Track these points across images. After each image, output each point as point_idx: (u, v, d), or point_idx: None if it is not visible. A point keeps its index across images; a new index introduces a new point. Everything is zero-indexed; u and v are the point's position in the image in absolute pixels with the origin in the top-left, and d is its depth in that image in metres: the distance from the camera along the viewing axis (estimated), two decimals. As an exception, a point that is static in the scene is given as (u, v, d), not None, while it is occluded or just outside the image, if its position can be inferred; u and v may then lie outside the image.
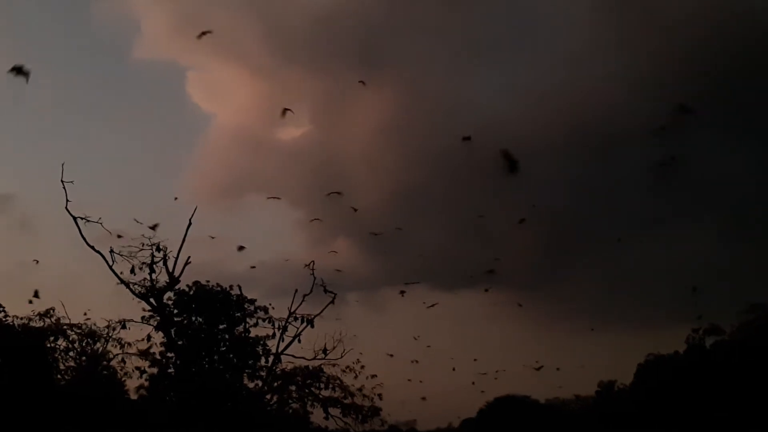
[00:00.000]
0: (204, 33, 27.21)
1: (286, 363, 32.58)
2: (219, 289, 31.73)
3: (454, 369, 44.78)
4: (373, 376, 34.13)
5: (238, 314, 31.80)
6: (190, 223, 31.11)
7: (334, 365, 33.02)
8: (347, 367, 33.21)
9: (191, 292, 31.44)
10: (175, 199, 32.72)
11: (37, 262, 35.88)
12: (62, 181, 29.03)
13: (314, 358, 32.49)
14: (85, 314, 33.96)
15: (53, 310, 33.10)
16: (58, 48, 73.33)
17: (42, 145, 66.22)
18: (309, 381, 33.40)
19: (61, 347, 33.46)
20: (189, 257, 31.00)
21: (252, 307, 32.17)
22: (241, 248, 31.17)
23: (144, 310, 31.03)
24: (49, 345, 33.20)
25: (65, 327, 33.20)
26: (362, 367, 33.58)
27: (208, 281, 31.71)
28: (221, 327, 31.57)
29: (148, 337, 31.50)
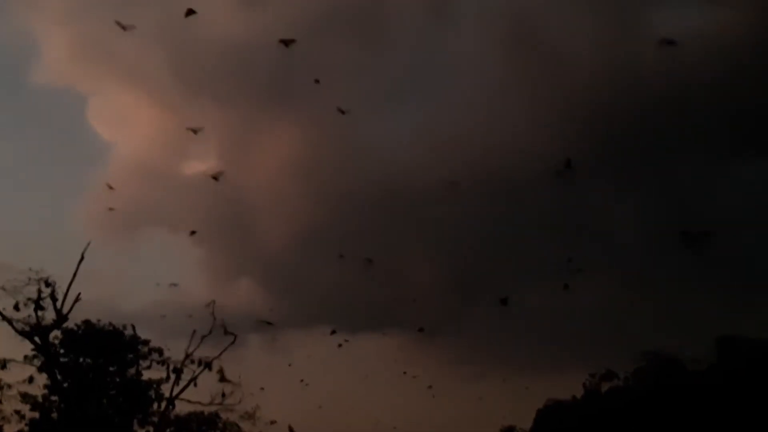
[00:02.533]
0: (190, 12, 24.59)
1: (181, 408, 31.16)
2: (111, 328, 30.21)
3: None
4: (273, 422, 33.17)
5: (131, 355, 30.34)
6: (82, 258, 29.41)
7: (231, 411, 31.87)
8: (246, 413, 32.09)
9: (80, 331, 29.77)
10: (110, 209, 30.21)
11: None
12: None
13: (211, 404, 31.23)
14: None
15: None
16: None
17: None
18: (204, 428, 32.12)
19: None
20: (79, 294, 29.24)
21: (146, 349, 30.75)
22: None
23: (28, 349, 29.08)
24: None
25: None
26: (257, 411, 32.51)
27: (99, 320, 30.15)
28: (111, 369, 29.99)
29: (31, 379, 29.45)
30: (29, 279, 28.36)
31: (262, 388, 32.57)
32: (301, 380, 38.37)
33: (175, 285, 34.44)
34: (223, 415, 32.04)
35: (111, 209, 29.81)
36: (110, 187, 29.97)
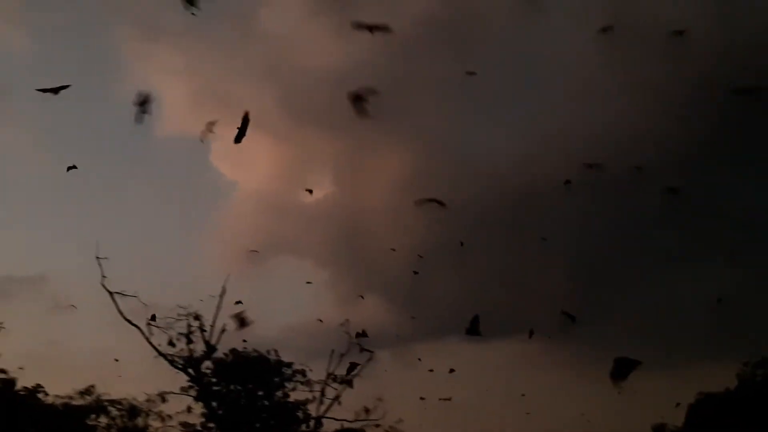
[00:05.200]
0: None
1: (328, 427, 32.11)
2: (256, 354, 31.68)
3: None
4: (416, 434, 33.47)
5: (276, 379, 31.65)
6: (223, 291, 31.18)
7: (377, 426, 32.46)
8: (390, 427, 32.60)
9: (229, 360, 31.42)
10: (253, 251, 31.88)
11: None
12: (97, 258, 29.46)
13: (356, 420, 31.98)
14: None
15: (93, 387, 33.23)
16: (82, 129, 75.71)
17: (71, 225, 67.52)
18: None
19: (103, 424, 33.45)
20: (224, 324, 31.03)
21: (289, 371, 32.00)
22: (238, 302, 29.57)
23: (184, 380, 31.01)
24: (90, 423, 33.26)
25: (106, 403, 33.27)
26: (400, 424, 32.89)
27: (244, 348, 31.69)
28: (260, 393, 31.39)
29: (189, 409, 31.39)
30: (179, 315, 30.40)
31: (399, 402, 32.83)
32: (446, 398, 38.37)
33: (308, 309, 35.53)
34: (369, 431, 32.66)
35: (254, 251, 31.27)
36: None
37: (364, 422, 32.09)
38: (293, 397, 31.89)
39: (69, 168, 22.16)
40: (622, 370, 18.11)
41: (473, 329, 20.23)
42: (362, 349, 32.06)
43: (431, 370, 32.10)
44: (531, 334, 26.73)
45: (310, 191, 30.98)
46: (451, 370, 30.89)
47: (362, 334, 30.40)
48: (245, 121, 16.40)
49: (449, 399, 36.99)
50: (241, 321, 26.89)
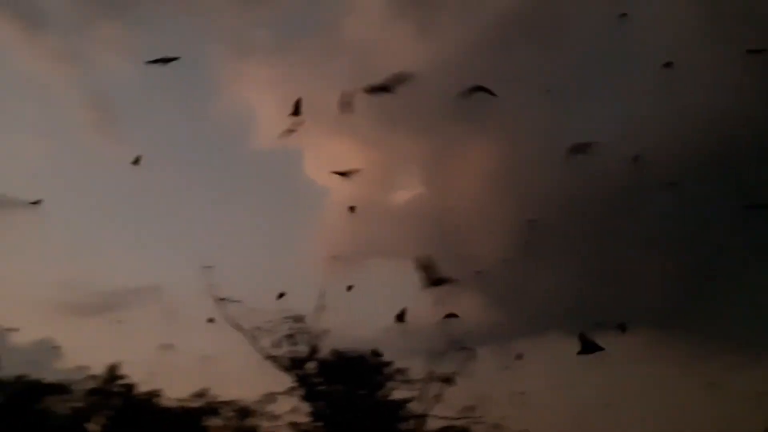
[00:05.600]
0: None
1: (432, 424, 32.35)
2: (356, 354, 32.34)
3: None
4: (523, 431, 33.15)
5: (378, 378, 32.18)
6: (323, 293, 32.09)
7: (480, 423, 32.42)
8: (495, 424, 32.47)
9: (330, 360, 32.22)
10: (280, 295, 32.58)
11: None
12: (204, 267, 30.94)
13: (460, 417, 32.07)
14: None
15: (206, 390, 34.90)
16: (185, 146, 79.59)
17: (180, 237, 70.93)
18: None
19: (217, 425, 35.06)
20: (326, 326, 31.94)
21: (390, 370, 32.46)
22: (281, 295, 29.49)
23: (289, 382, 32.06)
24: (205, 424, 34.95)
25: (219, 405, 34.87)
26: (504, 422, 32.67)
27: (346, 348, 32.44)
28: (362, 392, 32.00)
29: (296, 409, 32.41)
30: (281, 318, 31.49)
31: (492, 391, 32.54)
32: (547, 394, 37.66)
33: (405, 309, 35.87)
34: (474, 428, 32.64)
35: (334, 256, 32.08)
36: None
37: (468, 419, 32.15)
38: (395, 395, 32.30)
39: (135, 161, 22.82)
40: (586, 348, 17.66)
41: (586, 347, 19.58)
42: (462, 347, 32.14)
43: (531, 367, 31.75)
44: (624, 328, 25.96)
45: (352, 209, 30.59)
46: (550, 366, 30.41)
47: (452, 315, 30.19)
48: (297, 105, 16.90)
49: (550, 395, 36.51)
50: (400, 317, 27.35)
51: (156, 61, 17.02)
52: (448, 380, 31.73)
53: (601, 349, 19.49)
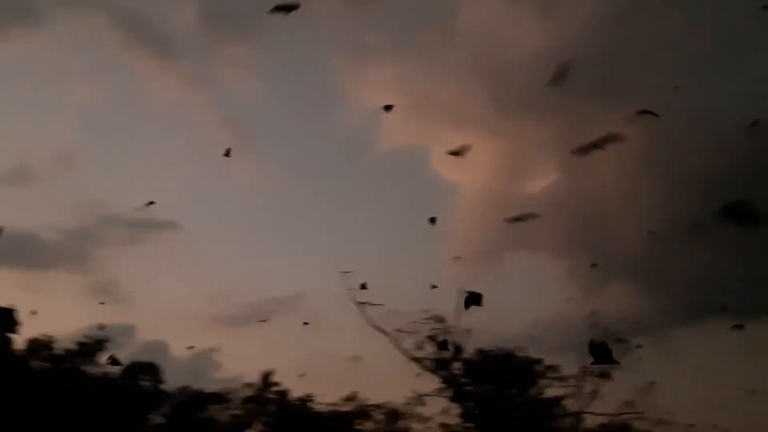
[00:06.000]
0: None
1: (590, 422, 30.69)
2: (503, 353, 31.32)
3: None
4: (691, 425, 30.71)
5: (528, 376, 30.99)
6: (463, 292, 31.21)
7: (642, 418, 30.34)
8: (660, 419, 30.27)
9: (477, 360, 31.41)
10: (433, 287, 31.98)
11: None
12: (343, 272, 31.10)
13: (619, 414, 30.18)
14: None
15: (356, 394, 35.27)
16: (315, 155, 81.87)
17: (319, 245, 72.97)
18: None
19: (369, 428, 35.33)
20: (468, 325, 31.13)
21: (540, 368, 31.16)
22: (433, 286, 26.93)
23: (436, 383, 31.60)
24: (357, 427, 35.32)
25: (368, 408, 35.11)
26: (671, 416, 30.35)
27: (492, 346, 31.52)
28: (513, 391, 30.94)
29: (445, 410, 31.92)
30: (423, 319, 31.08)
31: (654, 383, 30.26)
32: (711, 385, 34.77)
33: (552, 304, 34.31)
34: (636, 425, 30.65)
35: (457, 257, 31.07)
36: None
37: (628, 415, 30.22)
38: (548, 393, 30.97)
39: (226, 153, 22.66)
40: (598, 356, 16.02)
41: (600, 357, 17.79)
42: (617, 339, 30.22)
43: (694, 357, 29.36)
44: None
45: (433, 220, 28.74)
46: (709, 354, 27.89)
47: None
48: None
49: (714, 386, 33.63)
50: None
51: (278, 9, 16.51)
52: (603, 375, 29.95)
53: (615, 362, 17.73)
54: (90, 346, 35.82)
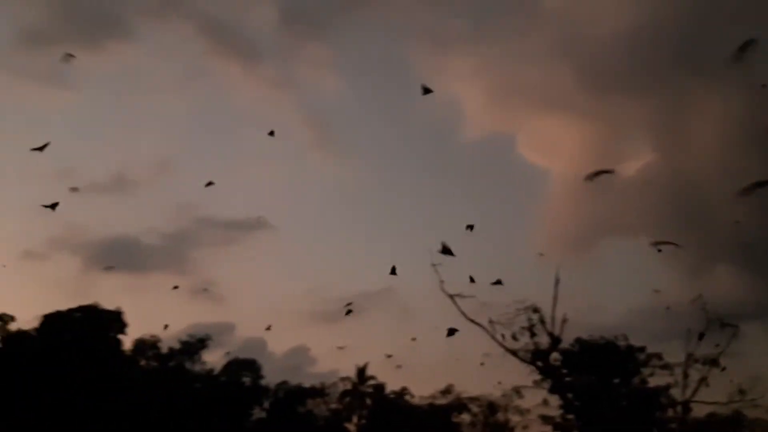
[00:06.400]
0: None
1: (698, 411, 29.35)
2: (603, 342, 30.36)
3: None
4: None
5: (630, 365, 29.93)
6: (557, 281, 30.44)
7: (755, 406, 28.72)
8: (775, 408, 28.58)
9: (575, 349, 30.61)
10: (540, 254, 31.48)
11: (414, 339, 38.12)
12: (432, 265, 30.85)
13: (730, 402, 28.67)
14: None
15: (452, 386, 35.17)
16: (399, 149, 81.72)
17: (403, 237, 73.09)
18: (728, 428, 29.62)
19: (466, 421, 35.18)
20: (565, 314, 30.27)
21: (643, 356, 30.02)
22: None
23: (534, 374, 30.98)
24: (454, 420, 35.22)
25: (466, 401, 34.94)
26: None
27: (590, 335, 30.61)
28: (615, 381, 29.97)
29: (545, 401, 31.32)
30: (516, 310, 30.46)
31: None
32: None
33: (657, 291, 32.86)
34: (748, 413, 29.11)
35: (541, 254, 30.22)
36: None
37: (740, 403, 28.66)
38: (652, 382, 29.83)
39: (270, 132, 22.16)
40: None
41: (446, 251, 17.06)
42: (724, 324, 28.74)
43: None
44: None
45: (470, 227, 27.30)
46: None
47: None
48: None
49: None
50: None
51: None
52: (712, 362, 28.51)
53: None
54: (192, 345, 37.28)
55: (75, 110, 78.40)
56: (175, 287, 30.33)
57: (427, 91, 17.39)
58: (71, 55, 17.19)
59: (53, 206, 16.53)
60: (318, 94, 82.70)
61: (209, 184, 21.43)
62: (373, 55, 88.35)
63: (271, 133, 21.65)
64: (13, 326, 35.41)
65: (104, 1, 77.53)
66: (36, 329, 34.02)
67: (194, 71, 78.77)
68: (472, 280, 24.95)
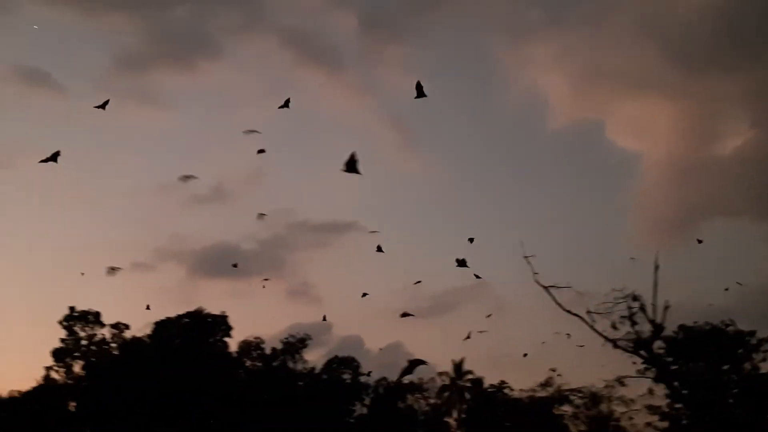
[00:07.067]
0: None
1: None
2: (709, 327, 29.24)
3: None
4: None
5: (740, 350, 28.69)
6: (656, 267, 29.56)
7: None
8: None
9: (679, 337, 29.63)
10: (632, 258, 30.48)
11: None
12: (525, 257, 30.57)
13: None
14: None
15: (552, 379, 34.69)
16: (484, 143, 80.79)
17: (493, 231, 72.33)
18: None
19: (568, 413, 34.62)
20: (666, 301, 29.32)
21: (754, 341, 28.71)
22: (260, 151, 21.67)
23: (637, 363, 30.18)
24: (555, 412, 34.74)
25: (567, 393, 34.39)
26: None
27: (695, 322, 29.53)
28: (724, 368, 28.81)
29: (650, 391, 30.46)
30: (615, 299, 29.71)
31: None
32: None
33: (759, 271, 31.42)
34: None
35: (632, 258, 29.27)
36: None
37: None
38: (765, 368, 28.50)
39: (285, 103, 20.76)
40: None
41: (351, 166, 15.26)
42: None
43: None
44: None
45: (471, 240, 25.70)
46: None
47: None
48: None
49: None
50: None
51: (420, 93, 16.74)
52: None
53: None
54: (293, 345, 38.49)
55: (172, 128, 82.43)
56: (265, 280, 31.37)
57: (420, 93, 16.89)
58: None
59: (54, 157, 16.48)
60: (400, 95, 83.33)
61: (260, 151, 20.85)
62: (452, 52, 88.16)
63: (286, 104, 20.39)
64: (128, 334, 37.80)
65: (193, 23, 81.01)
66: (148, 335, 36.11)
67: (280, 82, 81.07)
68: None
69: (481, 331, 28.76)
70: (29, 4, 79.85)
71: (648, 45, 78.72)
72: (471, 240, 23.73)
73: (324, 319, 31.40)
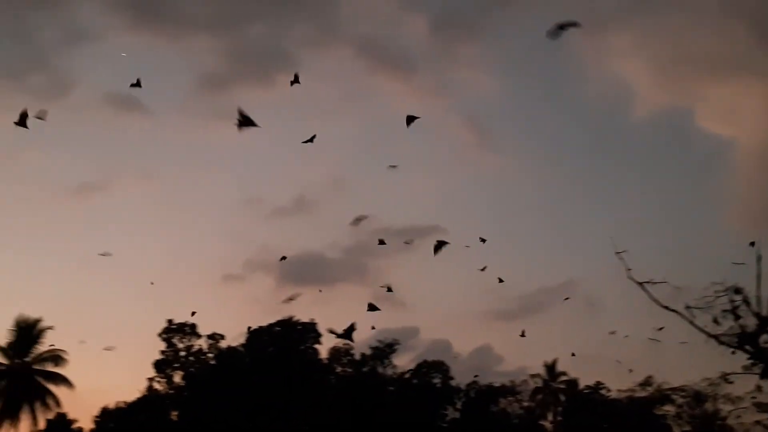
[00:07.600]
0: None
1: None
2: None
3: None
4: None
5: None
6: (758, 257, 28.00)
7: None
8: None
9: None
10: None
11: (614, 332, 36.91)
12: (617, 253, 29.61)
13: None
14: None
15: (651, 378, 33.45)
16: (565, 138, 78.93)
17: (580, 228, 70.31)
18: None
19: (671, 413, 33.28)
20: (772, 292, 27.79)
21: None
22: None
23: (742, 359, 28.69)
24: (657, 412, 33.46)
25: (668, 392, 33.08)
26: None
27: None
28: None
29: (758, 388, 28.79)
30: (715, 292, 28.35)
31: None
32: None
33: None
34: None
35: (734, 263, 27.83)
36: None
37: None
38: None
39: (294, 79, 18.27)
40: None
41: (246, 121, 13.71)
42: None
43: None
44: None
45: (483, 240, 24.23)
46: None
47: None
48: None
49: None
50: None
51: (561, 29, 15.78)
52: None
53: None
54: (382, 350, 38.70)
55: (254, 143, 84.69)
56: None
57: (410, 120, 16.57)
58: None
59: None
60: (475, 94, 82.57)
61: (294, 81, 19.04)
62: (526, 46, 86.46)
63: (295, 80, 18.66)
64: (223, 344, 39.03)
65: (269, 40, 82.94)
66: (242, 345, 37.20)
67: (357, 91, 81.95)
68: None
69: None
70: (118, 34, 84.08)
71: (734, 24, 74.84)
72: (483, 240, 23.41)
73: (373, 328, 30.78)
